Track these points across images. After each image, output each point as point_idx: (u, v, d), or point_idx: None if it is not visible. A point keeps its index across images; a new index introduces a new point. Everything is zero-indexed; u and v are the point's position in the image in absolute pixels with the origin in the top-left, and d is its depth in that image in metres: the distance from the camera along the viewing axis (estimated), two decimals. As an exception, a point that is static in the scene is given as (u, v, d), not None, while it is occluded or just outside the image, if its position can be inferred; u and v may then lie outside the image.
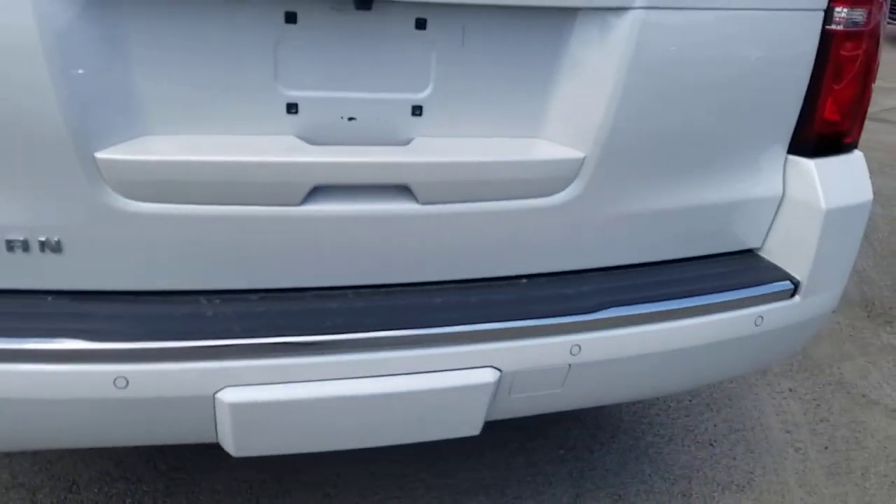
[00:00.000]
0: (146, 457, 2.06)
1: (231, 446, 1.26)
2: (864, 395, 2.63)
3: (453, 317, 1.28)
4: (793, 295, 1.52)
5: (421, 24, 1.21)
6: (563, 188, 1.33)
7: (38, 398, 1.16)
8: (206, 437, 1.30)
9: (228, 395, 1.20)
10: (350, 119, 1.24)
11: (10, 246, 1.17)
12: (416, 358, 1.26)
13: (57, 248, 1.18)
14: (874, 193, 1.59)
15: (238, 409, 1.21)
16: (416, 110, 1.26)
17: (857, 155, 1.57)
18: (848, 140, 1.55)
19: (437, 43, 1.23)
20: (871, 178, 1.59)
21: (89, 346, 1.15)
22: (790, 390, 2.63)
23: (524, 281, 1.40)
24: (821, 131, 1.49)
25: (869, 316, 3.20)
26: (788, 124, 1.47)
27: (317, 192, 1.23)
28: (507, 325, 1.30)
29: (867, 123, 1.70)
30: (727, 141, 1.43)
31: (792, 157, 1.51)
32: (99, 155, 1.12)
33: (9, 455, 2.02)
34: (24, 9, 1.01)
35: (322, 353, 1.22)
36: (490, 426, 2.12)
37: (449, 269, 1.35)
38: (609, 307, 1.36)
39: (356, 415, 1.26)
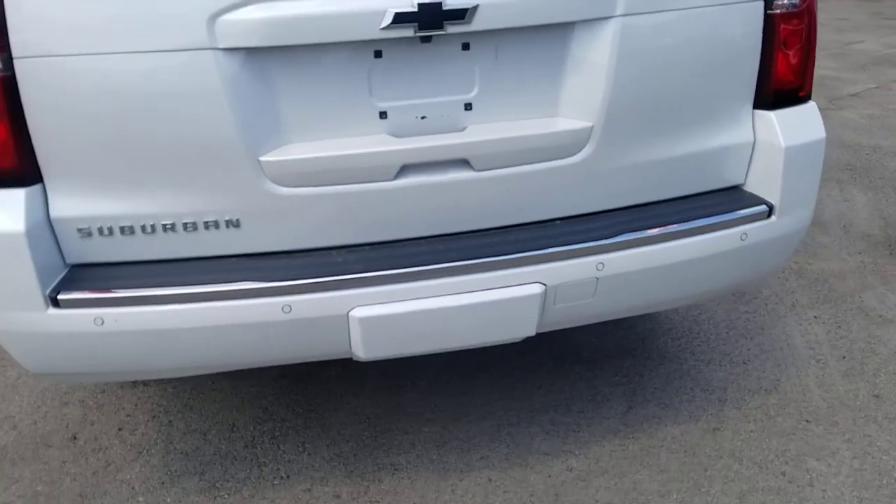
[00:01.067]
0: (286, 402, 2.64)
1: (361, 351, 1.81)
2: (880, 316, 3.02)
3: (508, 248, 1.81)
4: (769, 215, 1.99)
5: (466, 46, 1.75)
6: (579, 150, 1.84)
7: (234, 324, 1.73)
8: (341, 350, 1.85)
9: (357, 313, 1.75)
10: (422, 118, 1.78)
11: (207, 225, 1.75)
12: (484, 279, 1.79)
13: (236, 224, 1.76)
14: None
15: (364, 322, 1.76)
16: (468, 106, 1.80)
17: (810, 105, 2.03)
18: (801, 94, 2.01)
19: (478, 59, 1.76)
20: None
21: (264, 285, 1.72)
22: (815, 317, 3.05)
23: (557, 223, 1.92)
24: (776, 88, 1.96)
25: (892, 254, 3.56)
26: (749, 86, 1.95)
27: (404, 169, 1.77)
28: (547, 251, 1.81)
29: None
30: (702, 104, 1.92)
31: (757, 111, 1.99)
32: (262, 158, 1.69)
33: (182, 409, 2.63)
34: (214, 66, 1.59)
35: (418, 280, 1.76)
36: (555, 361, 2.63)
37: (500, 218, 1.87)
38: (623, 233, 1.86)
39: (447, 322, 1.80)
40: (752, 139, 2.00)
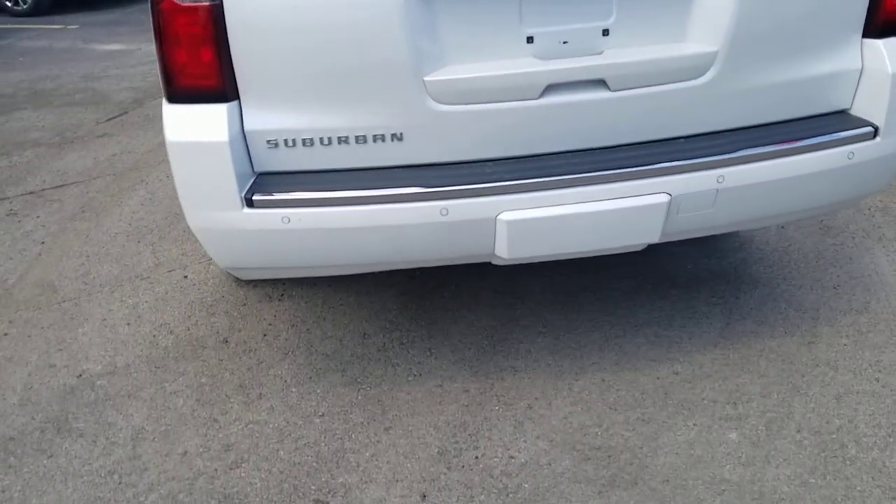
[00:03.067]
0: (409, 316, 2.92)
1: (506, 252, 2.06)
2: (968, 248, 3.16)
3: (638, 161, 2.02)
4: (874, 136, 2.16)
5: None
6: (704, 73, 2.04)
7: (399, 224, 1.99)
8: (486, 252, 2.10)
9: (505, 216, 2.00)
10: (564, 42, 2.00)
11: (375, 138, 2.00)
12: (616, 188, 2.01)
13: (400, 138, 2.01)
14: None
15: (511, 224, 2.00)
16: (605, 32, 2.00)
17: (915, 35, 2.18)
18: (908, 25, 2.17)
19: (615, -12, 1.97)
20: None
21: (426, 190, 1.97)
22: (902, 249, 3.20)
23: (682, 140, 2.12)
24: (885, 19, 2.12)
25: (978, 192, 3.67)
26: (860, 16, 2.11)
27: (548, 89, 1.99)
28: (673, 164, 2.02)
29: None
30: (817, 32, 2.09)
31: (866, 40, 2.15)
32: (426, 78, 1.93)
33: (317, 320, 2.93)
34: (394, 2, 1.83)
35: (559, 188, 2.00)
36: (653, 284, 2.84)
37: (631, 135, 2.09)
38: (741, 149, 2.06)
39: (584, 228, 2.03)
40: (860, 66, 2.17)
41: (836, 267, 3.09)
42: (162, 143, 5.09)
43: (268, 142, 1.99)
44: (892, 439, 2.16)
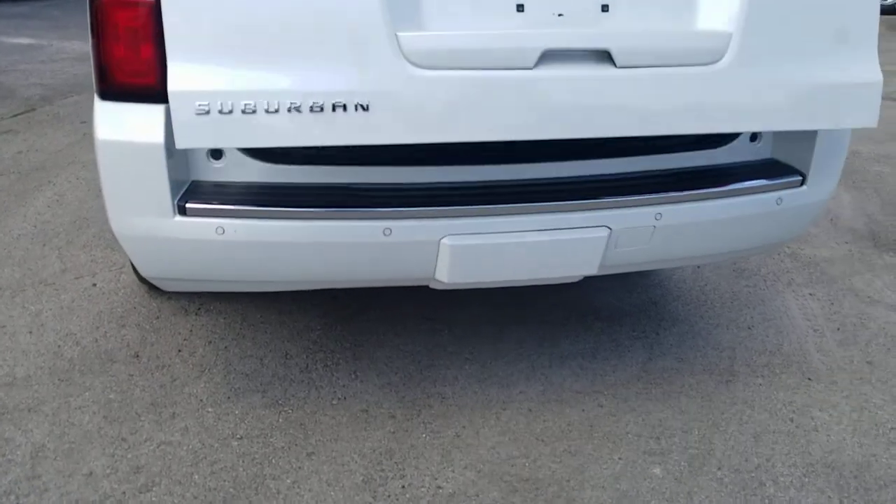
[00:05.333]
0: (334, 337, 2.84)
1: (446, 277, 2.03)
2: (869, 297, 3.33)
3: (582, 194, 2.04)
4: (802, 184, 2.25)
5: None
6: (719, 58, 1.85)
7: (342, 242, 1.93)
8: (426, 276, 2.06)
9: (448, 240, 1.96)
10: (559, 15, 1.84)
11: (335, 107, 1.71)
12: (561, 219, 2.02)
13: (365, 108, 1.71)
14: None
15: (454, 249, 1.97)
16: (604, 8, 1.87)
17: None
18: None
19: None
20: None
21: (370, 209, 1.92)
22: (810, 294, 3.34)
23: (624, 175, 2.15)
24: None
25: (875, 246, 3.89)
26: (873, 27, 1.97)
27: (545, 58, 1.77)
28: (615, 199, 2.05)
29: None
30: (836, 34, 1.92)
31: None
32: (400, 33, 1.70)
33: (236, 338, 2.81)
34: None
35: (504, 215, 1.98)
36: (578, 317, 2.87)
37: (635, 125, 1.86)
38: (681, 189, 2.10)
39: (526, 257, 2.02)
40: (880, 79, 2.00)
41: (749, 308, 3.21)
42: (73, 144, 4.85)
43: (198, 106, 1.70)
44: (807, 479, 2.23)
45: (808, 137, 2.23)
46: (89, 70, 1.79)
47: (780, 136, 2.31)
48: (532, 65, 1.77)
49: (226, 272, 1.98)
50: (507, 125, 1.80)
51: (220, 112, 1.70)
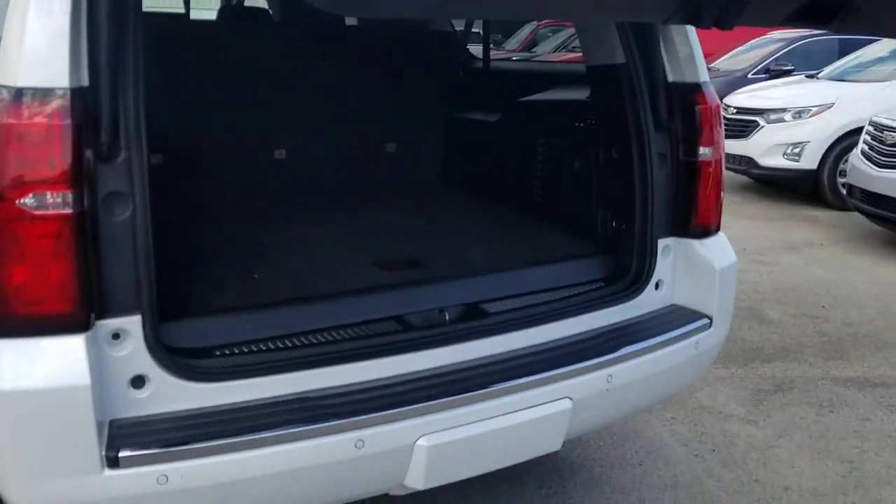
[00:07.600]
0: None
1: (421, 481, 1.79)
2: (720, 412, 3.56)
3: (544, 366, 1.95)
4: (710, 326, 2.35)
5: None
6: None
7: (310, 465, 1.64)
8: (394, 483, 1.81)
9: (424, 441, 1.75)
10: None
11: None
12: (530, 396, 1.90)
13: None
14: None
15: (431, 450, 1.76)
16: None
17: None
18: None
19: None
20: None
21: (339, 421, 1.66)
22: (672, 418, 3.49)
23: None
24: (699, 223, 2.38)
25: (698, 359, 4.21)
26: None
27: None
28: (573, 367, 1.98)
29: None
30: None
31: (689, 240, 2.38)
32: None
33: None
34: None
35: (476, 402, 1.82)
36: (481, 482, 2.75)
37: None
38: (624, 346, 2.10)
39: (503, 442, 1.87)
40: None
41: (630, 442, 3.26)
42: None
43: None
44: None
45: (709, 279, 2.36)
46: None
47: (681, 281, 2.42)
48: None
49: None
50: None
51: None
